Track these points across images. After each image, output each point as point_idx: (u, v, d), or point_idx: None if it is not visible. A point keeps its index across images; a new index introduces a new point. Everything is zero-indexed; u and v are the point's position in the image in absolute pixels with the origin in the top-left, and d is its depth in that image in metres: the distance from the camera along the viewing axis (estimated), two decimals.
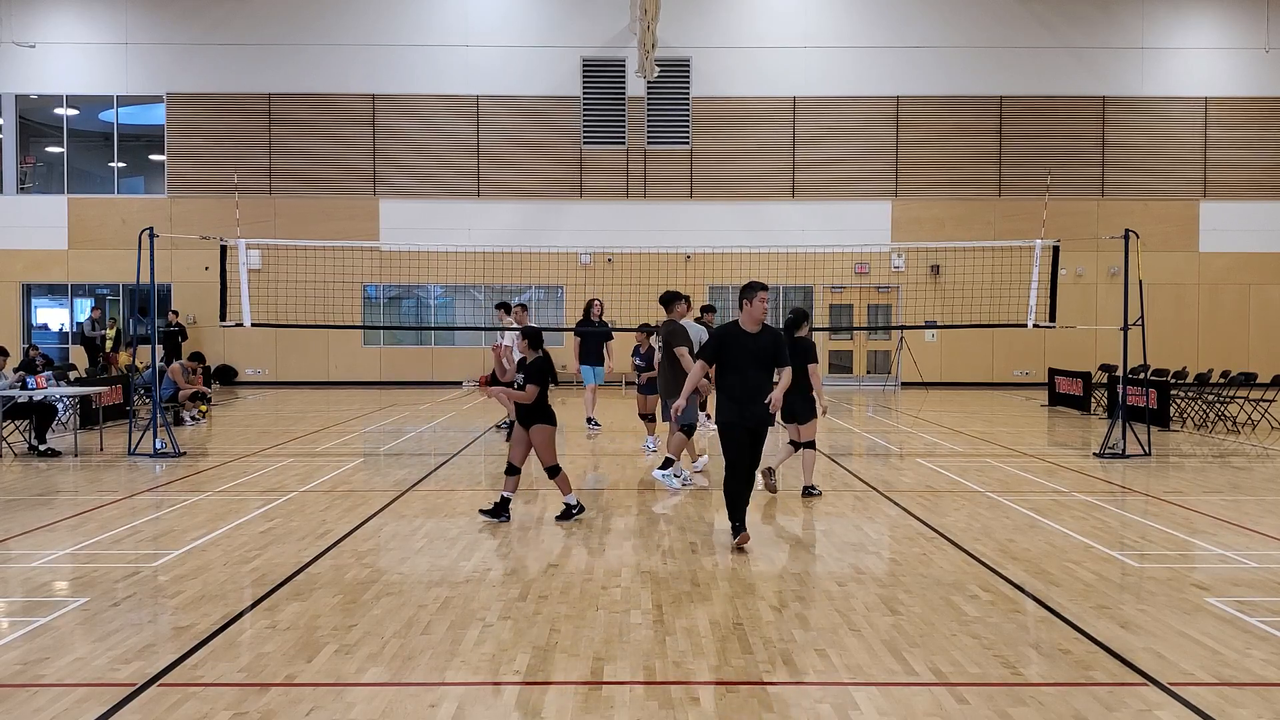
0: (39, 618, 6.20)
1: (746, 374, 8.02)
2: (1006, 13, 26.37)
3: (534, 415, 8.98)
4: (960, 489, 10.91)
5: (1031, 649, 5.69)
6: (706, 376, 10.73)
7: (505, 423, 15.84)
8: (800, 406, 10.14)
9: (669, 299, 11.63)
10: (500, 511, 9.09)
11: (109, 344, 24.31)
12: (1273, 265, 26.62)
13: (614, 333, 16.44)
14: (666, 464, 10.98)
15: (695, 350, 11.02)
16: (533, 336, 9.18)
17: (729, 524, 8.20)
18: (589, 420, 16.39)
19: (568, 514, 9.15)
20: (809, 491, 10.28)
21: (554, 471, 9.08)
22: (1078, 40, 26.39)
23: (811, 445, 10.34)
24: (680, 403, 8.65)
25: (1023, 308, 15.73)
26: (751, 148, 26.35)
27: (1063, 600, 6.60)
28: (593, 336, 15.90)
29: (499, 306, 15.77)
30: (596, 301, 16.17)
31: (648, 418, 13.91)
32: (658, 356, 12.74)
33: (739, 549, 7.99)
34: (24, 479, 11.71)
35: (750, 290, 8.12)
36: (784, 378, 8.22)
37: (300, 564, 7.54)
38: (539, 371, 8.95)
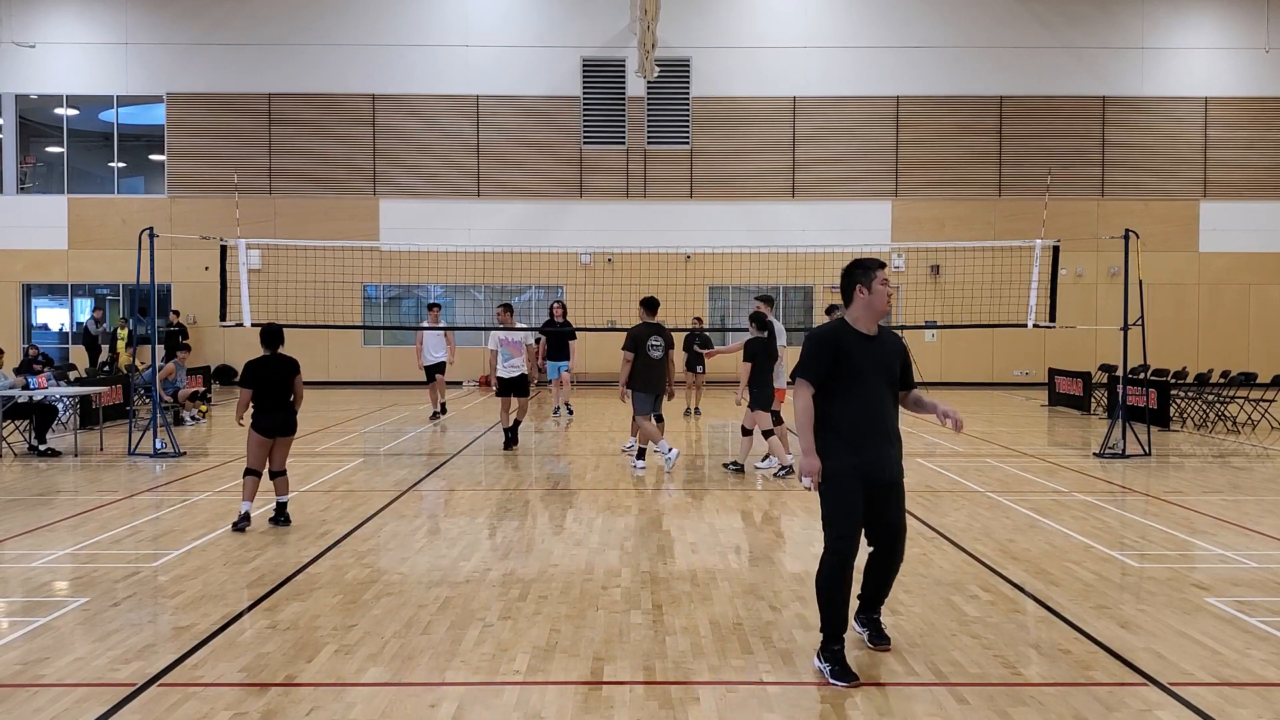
0: (39, 618, 6.20)
1: (869, 397, 5.28)
2: (1006, 13, 26.37)
3: (252, 413, 8.82)
4: (960, 489, 10.91)
5: (1031, 649, 5.69)
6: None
7: (438, 411, 17.95)
8: (761, 396, 11.45)
9: (654, 303, 12.37)
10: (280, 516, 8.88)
11: (122, 344, 24.30)
12: (1273, 265, 26.62)
13: (578, 332, 18.07)
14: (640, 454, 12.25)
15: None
16: (264, 337, 8.91)
17: (823, 637, 5.31)
18: (556, 409, 18.02)
19: (238, 524, 8.64)
20: (736, 466, 11.85)
21: (247, 473, 8.79)
22: (1078, 40, 26.40)
23: (752, 433, 11.77)
24: (810, 464, 5.27)
25: (1023, 308, 15.73)
26: (751, 148, 26.35)
27: (1063, 600, 6.60)
28: (555, 336, 17.24)
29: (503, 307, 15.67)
30: (557, 304, 17.78)
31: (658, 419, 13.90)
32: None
33: (830, 677, 5.16)
34: (24, 479, 11.71)
35: (865, 271, 5.38)
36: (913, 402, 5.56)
37: (300, 564, 7.54)
38: (248, 375, 8.77)
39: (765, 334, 11.47)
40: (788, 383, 6.04)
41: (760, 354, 11.41)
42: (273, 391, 8.81)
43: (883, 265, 5.44)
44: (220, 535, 8.53)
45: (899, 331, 5.35)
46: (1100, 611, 6.35)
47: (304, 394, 9.14)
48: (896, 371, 5.43)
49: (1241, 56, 26.50)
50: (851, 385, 5.27)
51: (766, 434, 11.58)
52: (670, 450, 11.87)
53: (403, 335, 26.47)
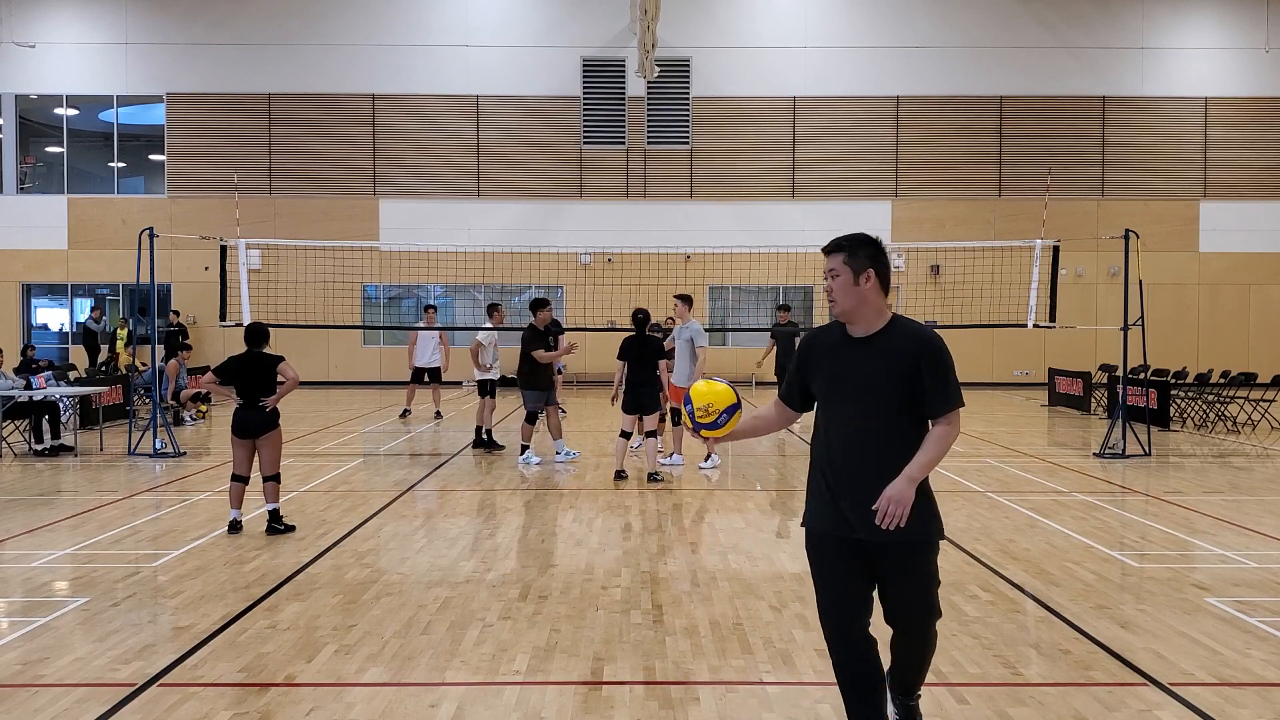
0: (39, 618, 6.20)
1: (846, 424, 3.88)
2: (1006, 13, 26.36)
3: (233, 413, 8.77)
4: (960, 489, 10.91)
5: (1031, 649, 5.69)
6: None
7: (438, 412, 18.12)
8: (648, 398, 11.47)
9: (539, 303, 12.76)
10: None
11: (121, 344, 24.28)
12: (1273, 265, 26.61)
13: (579, 332, 18.71)
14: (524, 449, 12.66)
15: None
16: (247, 334, 8.81)
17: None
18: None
19: (232, 530, 8.59)
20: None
21: (233, 479, 8.66)
22: (1078, 40, 26.39)
23: (654, 434, 11.51)
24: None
25: (1023, 308, 15.74)
26: (751, 148, 26.35)
27: (1063, 600, 6.60)
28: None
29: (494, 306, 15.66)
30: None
31: None
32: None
33: None
34: (24, 479, 11.71)
35: (871, 248, 4.04)
36: (934, 441, 3.83)
37: (300, 564, 7.54)
38: (224, 369, 8.72)
39: (634, 333, 11.67)
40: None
41: (633, 353, 11.53)
42: (250, 390, 8.62)
43: (845, 249, 3.99)
44: (220, 535, 8.53)
45: None
46: (1100, 611, 6.35)
47: (295, 380, 8.70)
48: (896, 386, 3.80)
49: (1241, 56, 26.49)
50: (826, 406, 3.93)
51: (624, 434, 11.68)
52: (530, 456, 12.52)
53: (403, 335, 26.43)
